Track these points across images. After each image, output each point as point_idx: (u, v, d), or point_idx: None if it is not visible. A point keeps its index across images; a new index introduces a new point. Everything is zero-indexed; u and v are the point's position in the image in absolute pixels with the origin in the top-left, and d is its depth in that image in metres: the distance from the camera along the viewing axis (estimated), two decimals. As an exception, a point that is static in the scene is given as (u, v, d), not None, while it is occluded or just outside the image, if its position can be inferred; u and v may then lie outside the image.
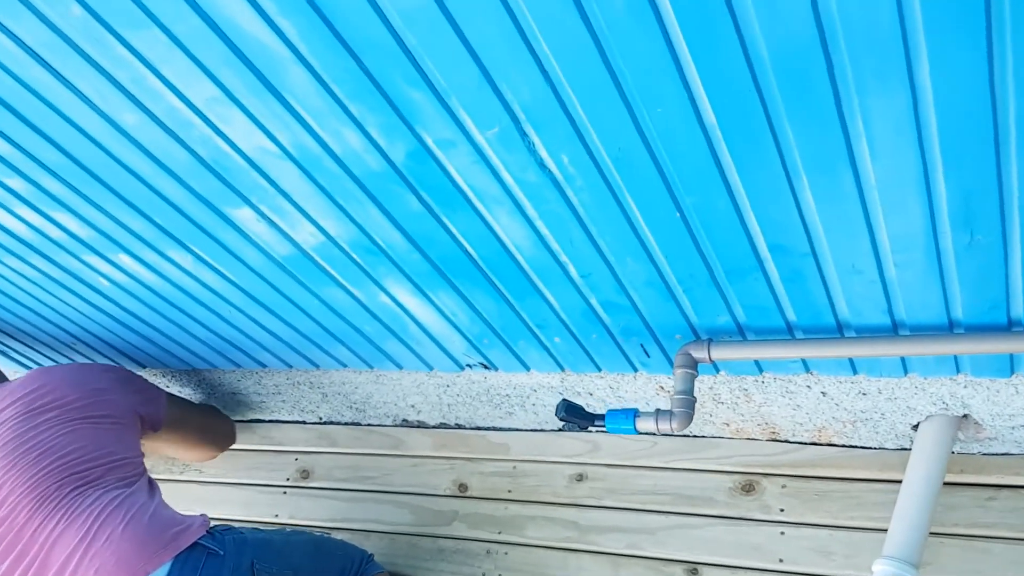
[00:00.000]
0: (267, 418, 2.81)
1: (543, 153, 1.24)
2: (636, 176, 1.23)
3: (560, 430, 1.60)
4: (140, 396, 2.17)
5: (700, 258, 1.38)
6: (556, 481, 2.27)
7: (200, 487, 2.78)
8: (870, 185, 1.13)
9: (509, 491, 2.32)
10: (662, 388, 1.92)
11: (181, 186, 1.53)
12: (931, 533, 1.76)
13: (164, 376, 2.60)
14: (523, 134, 1.22)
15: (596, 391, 2.03)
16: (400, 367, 2.14)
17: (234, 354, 2.28)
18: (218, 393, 2.65)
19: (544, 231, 1.42)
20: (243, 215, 1.59)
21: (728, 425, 2.03)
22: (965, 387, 1.57)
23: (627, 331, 1.66)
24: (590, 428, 1.59)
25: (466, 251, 1.54)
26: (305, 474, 2.66)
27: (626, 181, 1.25)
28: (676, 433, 1.50)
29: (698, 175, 1.20)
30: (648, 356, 1.73)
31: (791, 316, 1.48)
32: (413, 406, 2.45)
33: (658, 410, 1.53)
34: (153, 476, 2.81)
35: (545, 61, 1.08)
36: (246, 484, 2.72)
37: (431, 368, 2.11)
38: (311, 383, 2.45)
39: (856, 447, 1.94)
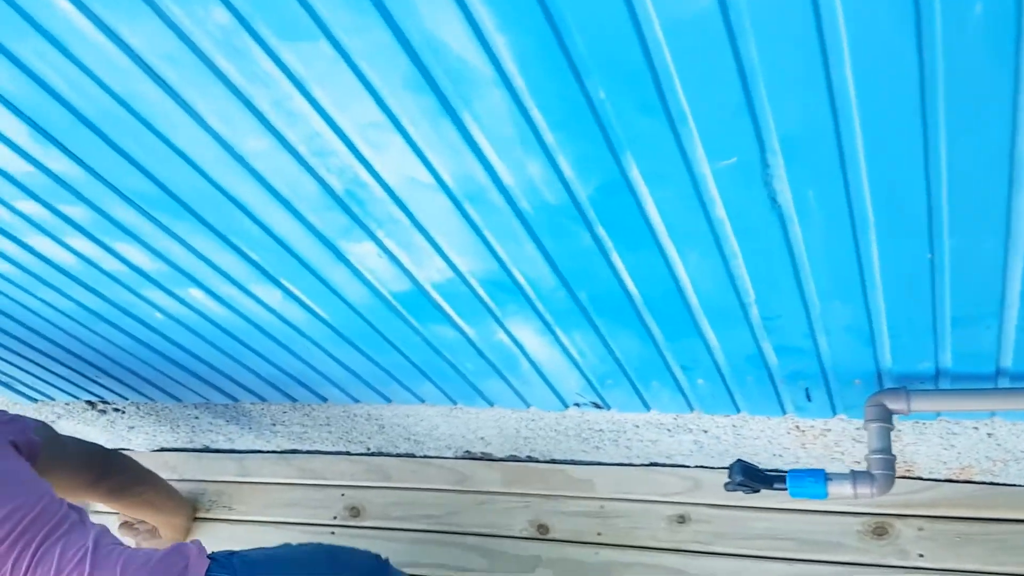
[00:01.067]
0: (305, 448, 2.56)
1: (781, 187, 1.03)
2: (898, 216, 1.03)
3: (727, 488, 1.41)
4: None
5: (930, 304, 1.19)
6: (653, 523, 2.08)
7: (231, 526, 2.52)
8: None
9: (599, 533, 2.11)
10: (797, 428, 1.74)
11: (296, 219, 1.28)
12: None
13: (196, 407, 2.33)
14: (765, 165, 1.01)
15: (713, 429, 1.84)
16: (491, 404, 1.92)
17: (293, 388, 2.03)
18: (255, 424, 2.39)
19: (740, 270, 1.22)
20: (361, 250, 1.35)
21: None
22: None
23: (795, 375, 1.47)
24: (762, 490, 1.39)
25: (626, 290, 1.33)
26: (355, 512, 2.42)
27: (880, 221, 1.05)
28: (874, 499, 1.32)
29: (977, 217, 1.00)
30: (809, 400, 1.54)
31: (1005, 362, 1.30)
32: (483, 438, 2.23)
33: (854, 472, 1.34)
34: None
35: (839, 85, 0.87)
36: (286, 523, 2.47)
37: (528, 406, 1.89)
38: (370, 415, 2.21)
39: (999, 484, 1.79)
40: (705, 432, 1.87)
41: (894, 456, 1.34)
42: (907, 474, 1.87)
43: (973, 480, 1.81)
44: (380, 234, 1.31)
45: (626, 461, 2.16)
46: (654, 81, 0.90)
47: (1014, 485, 1.78)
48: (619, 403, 1.76)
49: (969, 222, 1.02)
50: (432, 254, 1.33)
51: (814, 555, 1.88)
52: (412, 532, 2.31)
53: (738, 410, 1.67)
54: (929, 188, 0.99)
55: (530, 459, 2.29)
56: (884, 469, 1.32)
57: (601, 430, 2.01)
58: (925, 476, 1.85)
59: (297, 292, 1.52)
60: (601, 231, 1.19)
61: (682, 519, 2.05)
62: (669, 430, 1.91)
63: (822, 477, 1.34)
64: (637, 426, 1.93)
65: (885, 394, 1.36)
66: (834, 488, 1.33)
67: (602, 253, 1.24)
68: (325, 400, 2.10)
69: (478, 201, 1.18)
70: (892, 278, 1.16)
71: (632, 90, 0.92)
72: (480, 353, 1.65)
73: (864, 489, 1.32)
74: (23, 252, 1.55)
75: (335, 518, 2.42)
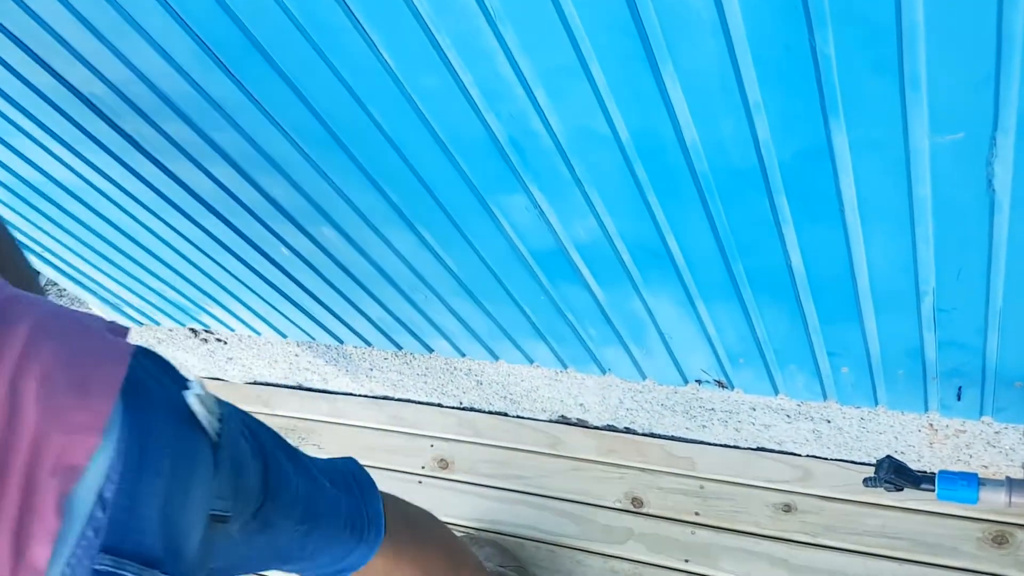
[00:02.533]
0: (398, 396, 2.55)
1: (1002, 169, 0.94)
2: None
3: (866, 484, 1.33)
4: None
5: None
6: (756, 509, 2.01)
7: (319, 466, 2.53)
8: None
9: (696, 513, 2.06)
10: (931, 426, 1.64)
11: (450, 165, 1.23)
12: None
13: (299, 345, 2.34)
14: (992, 144, 0.91)
15: (837, 420, 1.76)
16: (604, 372, 1.87)
17: (402, 336, 2.01)
18: (353, 367, 2.39)
19: (927, 256, 1.13)
20: (511, 203, 1.30)
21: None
22: None
23: (952, 373, 1.38)
24: (907, 489, 1.31)
25: (790, 266, 1.25)
26: (444, 464, 2.40)
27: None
28: (1034, 509, 1.24)
29: None
30: (959, 400, 1.45)
31: None
32: (582, 404, 2.19)
33: (1010, 479, 1.25)
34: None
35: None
36: (373, 467, 2.45)
37: (644, 378, 1.84)
38: (471, 370, 2.19)
39: None
40: (828, 422, 1.79)
41: (1063, 469, 1.25)
42: (1041, 487, 1.76)
43: (1115, 501, 1.70)
44: (534, 188, 1.25)
45: (732, 443, 2.09)
46: (897, 38, 0.82)
47: None
48: (746, 384, 1.69)
49: None
50: (585, 213, 1.27)
51: (927, 558, 1.80)
52: (501, 490, 2.29)
53: (877, 403, 1.59)
54: None
55: (628, 431, 2.24)
56: (1051, 481, 1.23)
57: (712, 409, 1.94)
58: (1061, 491, 1.74)
59: (430, 239, 1.48)
60: (783, 200, 1.12)
61: (788, 508, 1.98)
62: (789, 416, 1.83)
63: (975, 481, 1.26)
64: (754, 409, 1.86)
65: (1059, 402, 1.27)
66: (987, 494, 1.25)
67: (775, 224, 1.17)
68: (431, 351, 2.07)
69: (652, 160, 1.11)
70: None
71: (868, 46, 0.83)
72: (607, 319, 1.59)
73: (1020, 498, 1.23)
74: (162, 176, 1.54)
75: (423, 467, 2.41)
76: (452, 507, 2.31)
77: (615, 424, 2.24)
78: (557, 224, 1.33)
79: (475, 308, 1.71)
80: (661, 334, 1.59)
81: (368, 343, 2.12)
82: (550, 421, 2.36)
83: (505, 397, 2.30)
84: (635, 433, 2.23)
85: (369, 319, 1.94)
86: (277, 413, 2.65)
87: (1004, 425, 1.56)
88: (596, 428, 2.29)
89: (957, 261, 1.12)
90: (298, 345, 2.32)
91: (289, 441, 1.25)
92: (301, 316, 2.04)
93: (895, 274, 1.18)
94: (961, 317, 1.23)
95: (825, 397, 1.63)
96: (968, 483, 1.27)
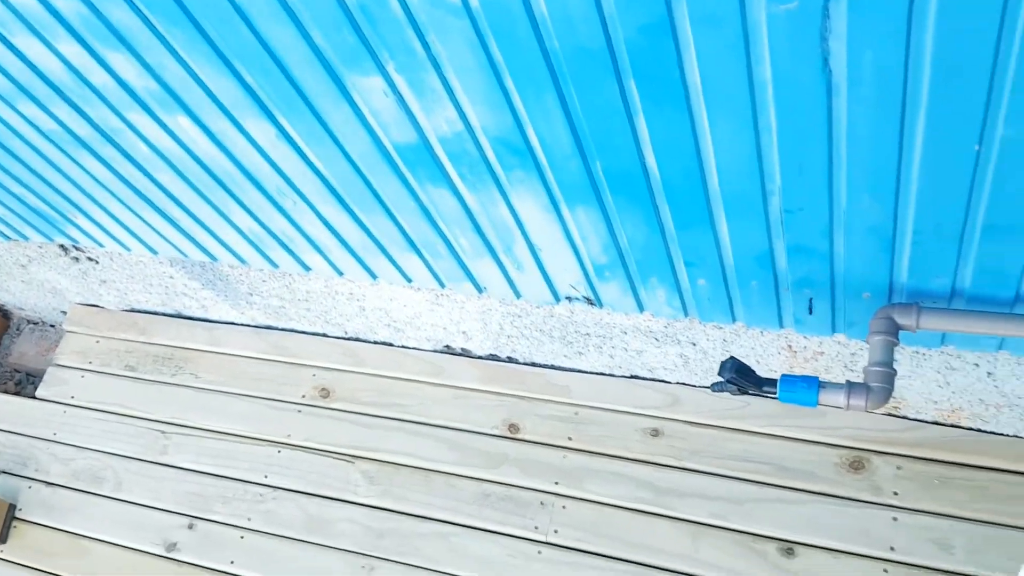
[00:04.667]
0: (281, 326, 2.49)
1: (837, 46, 0.95)
2: (951, 92, 0.96)
3: (713, 389, 1.35)
4: None
5: (964, 206, 1.12)
6: (627, 434, 2.04)
7: (195, 393, 2.45)
8: None
9: (570, 438, 2.07)
10: (790, 348, 1.69)
11: (301, 37, 1.19)
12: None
13: (172, 265, 2.25)
14: (826, 15, 0.92)
15: (702, 342, 1.79)
16: (481, 291, 1.85)
17: (276, 252, 1.95)
18: (231, 291, 2.31)
19: (771, 149, 1.14)
20: (369, 85, 1.26)
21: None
22: None
23: (802, 282, 1.41)
24: (751, 393, 1.34)
25: (645, 164, 1.25)
26: (325, 393, 2.36)
27: (934, 97, 0.97)
28: (867, 411, 1.27)
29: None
30: (810, 313, 1.48)
31: (1028, 287, 1.24)
32: (465, 332, 2.17)
33: (850, 383, 1.29)
34: (139, 376, 2.47)
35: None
36: (251, 396, 2.41)
37: (519, 296, 1.83)
38: (352, 294, 2.14)
39: (989, 432, 1.76)
40: (694, 345, 1.82)
41: (895, 371, 1.29)
42: (894, 412, 1.83)
43: (960, 425, 1.78)
44: (391, 68, 1.22)
45: (607, 371, 2.11)
46: None
47: (1002, 435, 1.75)
48: (613, 301, 1.69)
49: (1030, 109, 0.95)
50: (444, 99, 1.24)
51: (787, 481, 1.85)
52: (381, 418, 2.26)
53: (735, 319, 1.62)
54: (995, 64, 0.92)
55: (511, 360, 2.24)
56: (883, 383, 1.27)
57: (588, 334, 1.95)
58: (912, 416, 1.82)
59: (292, 131, 1.43)
60: (632, 84, 1.11)
61: (656, 432, 2.01)
62: (657, 339, 1.85)
63: (815, 384, 1.29)
64: (625, 332, 1.88)
65: (895, 308, 1.31)
66: (826, 397, 1.28)
67: (627, 114, 1.16)
68: (309, 269, 2.02)
69: (504, 35, 1.09)
70: (931, 171, 1.08)
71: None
72: (477, 227, 1.57)
73: (858, 401, 1.27)
74: (8, 54, 1.44)
75: (303, 397, 2.37)
76: (329, 435, 2.27)
77: (498, 353, 2.23)
78: (420, 113, 1.30)
79: (346, 216, 1.67)
80: (530, 244, 1.58)
81: (243, 260, 2.05)
82: (435, 351, 2.34)
83: (389, 325, 2.27)
84: (517, 362, 2.23)
85: (240, 231, 1.87)
86: (154, 341, 2.55)
87: (860, 345, 1.61)
88: (479, 358, 2.28)
89: (799, 154, 1.13)
90: (171, 265, 2.23)
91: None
92: (170, 228, 1.96)
93: (742, 170, 1.19)
94: (807, 218, 1.25)
95: (686, 313, 1.65)
96: (808, 385, 1.30)
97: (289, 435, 2.31)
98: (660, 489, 1.94)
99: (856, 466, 1.83)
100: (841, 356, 1.66)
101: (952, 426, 1.78)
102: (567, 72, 1.12)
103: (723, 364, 1.31)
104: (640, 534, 1.90)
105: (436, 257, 1.74)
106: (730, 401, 1.98)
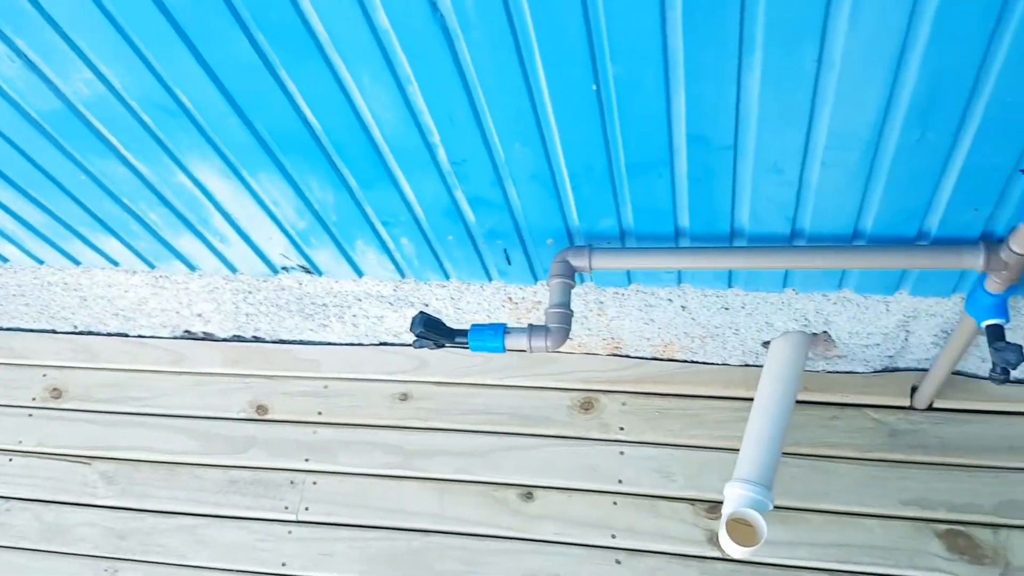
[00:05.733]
0: (4, 325, 2.27)
1: (439, -10, 0.95)
2: (556, 32, 0.98)
3: (383, 343, 1.34)
4: None
5: (603, 146, 1.16)
6: (376, 401, 2.02)
7: (-92, 411, 2.20)
8: (832, 64, 0.97)
9: (319, 413, 2.03)
10: (510, 299, 1.72)
11: None
12: (773, 451, 1.74)
13: None
14: (418, -42, 0.91)
15: (434, 302, 1.79)
16: (193, 269, 1.76)
17: (-40, 245, 1.76)
18: (-66, 295, 2.08)
19: (418, 101, 1.13)
20: (-16, 47, 1.13)
21: (571, 339, 1.88)
22: (835, 303, 1.51)
23: (492, 233, 1.42)
24: (447, 345, 1.34)
25: (307, 122, 1.21)
26: (56, 393, 2.18)
27: (542, 38, 0.99)
28: (549, 352, 1.31)
29: (634, 36, 0.97)
30: (509, 263, 1.51)
31: (683, 222, 1.32)
32: (200, 315, 2.07)
33: (531, 326, 1.32)
34: None
35: None
36: (-27, 406, 2.19)
37: (235, 271, 1.75)
38: (66, 284, 1.98)
39: (699, 363, 1.87)
40: (426, 306, 1.81)
41: (572, 312, 1.33)
42: (616, 352, 1.91)
43: (675, 358, 1.89)
44: (7, 30, 1.10)
45: (355, 341, 2.08)
46: None
47: (710, 363, 1.87)
48: (330, 268, 1.66)
49: (629, 47, 0.98)
50: (76, 60, 1.14)
51: (524, 428, 1.90)
52: (117, 414, 2.12)
53: (447, 276, 1.62)
54: (586, 5, 0.94)
55: (256, 339, 2.15)
56: (560, 323, 1.31)
57: (325, 304, 1.90)
58: (633, 355, 1.91)
59: (-79, 105, 1.27)
60: (261, 39, 1.06)
61: (404, 397, 2.01)
62: (391, 303, 1.83)
63: (501, 331, 1.31)
64: (360, 299, 1.84)
65: (570, 251, 1.35)
66: (511, 341, 1.31)
67: (269, 70, 1.11)
68: (7, 260, 1.84)
69: (109, -15, 1.00)
70: (565, 114, 1.11)
71: None
72: (162, 199, 1.48)
73: (539, 342, 1.30)
74: None
75: (33, 399, 2.18)
76: (63, 438, 2.10)
77: (241, 334, 2.14)
78: (54, 77, 1.19)
79: (23, 199, 1.52)
80: (226, 215, 1.50)
81: (-74, 256, 1.84)
82: (174, 337, 2.21)
83: (117, 314, 2.12)
84: (263, 341, 2.15)
85: (-91, 223, 1.67)
86: None
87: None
88: (223, 340, 2.18)
89: (445, 104, 1.13)
90: None
91: None
92: None
93: (400, 123, 1.17)
94: (475, 169, 1.26)
95: (403, 275, 1.64)
96: (495, 333, 1.32)
97: (20, 441, 2.12)
98: (408, 452, 1.93)
99: (586, 407, 1.90)
100: (557, 303, 1.71)
101: (669, 360, 1.89)
102: (191, 28, 1.06)
103: (413, 320, 1.31)
104: (390, 499, 1.89)
105: (133, 236, 1.63)
106: (473, 358, 2.00)
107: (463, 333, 1.34)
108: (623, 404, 1.89)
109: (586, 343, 1.90)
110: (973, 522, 1.60)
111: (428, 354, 2.03)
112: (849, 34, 0.92)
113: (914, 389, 1.70)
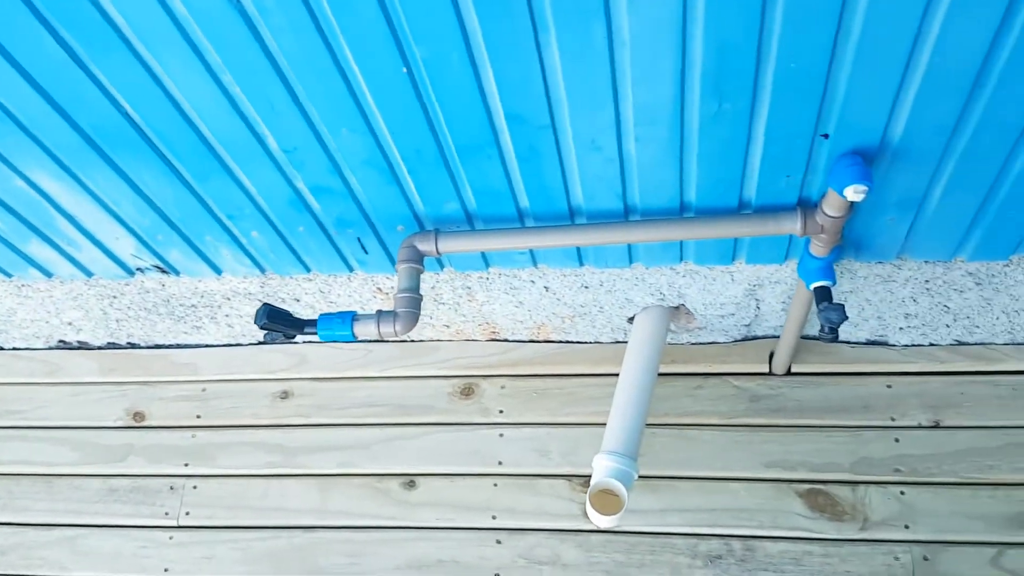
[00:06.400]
0: None
1: (231, -24, 0.95)
2: (354, 15, 0.98)
3: (262, 342, 1.34)
4: None
5: (429, 128, 1.18)
6: (257, 401, 2.00)
7: None
8: (623, 42, 1.00)
9: (198, 416, 2.00)
10: (380, 290, 1.72)
11: None
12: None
13: None
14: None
15: (304, 297, 1.78)
16: (49, 275, 1.71)
17: None
18: None
19: (235, 89, 1.13)
20: None
21: (448, 327, 1.90)
22: (684, 276, 1.56)
23: (342, 222, 1.42)
24: (298, 337, 1.34)
25: (126, 114, 1.19)
26: (-76, 415, 2.10)
27: (342, 22, 1.00)
28: (399, 337, 1.32)
29: (431, 17, 0.98)
30: (366, 252, 1.51)
31: (524, 202, 1.34)
32: (71, 323, 2.02)
33: (379, 312, 1.33)
34: None
35: None
36: None
37: (91, 275, 1.71)
38: (-76, 299, 1.91)
39: (573, 342, 1.91)
40: (298, 301, 1.80)
41: (421, 296, 1.35)
42: (494, 337, 1.94)
43: (551, 339, 1.92)
44: None
45: (232, 341, 2.05)
46: None
47: (583, 342, 1.90)
48: (185, 267, 1.63)
49: (428, 27, 1.00)
50: None
51: (406, 418, 1.91)
52: (-7, 431, 2.05)
53: (308, 269, 1.62)
54: (382, -15, 0.95)
55: (132, 345, 2.11)
56: (408, 307, 1.32)
57: (194, 306, 1.87)
58: (510, 338, 1.93)
59: None
60: (65, 34, 1.04)
61: (285, 395, 1.99)
62: (261, 301, 1.82)
63: (349, 318, 1.32)
64: (228, 298, 1.82)
65: (416, 236, 1.36)
66: (360, 329, 1.32)
67: (79, 65, 1.09)
68: None
69: None
70: (383, 98, 1.12)
71: None
72: (5, 207, 1.44)
73: (387, 328, 1.31)
74: None
75: (-101, 423, 2.09)
76: (-68, 461, 2.04)
77: (116, 341, 2.09)
78: None
79: None
80: (69, 217, 1.47)
81: None
82: (49, 348, 2.15)
83: (-15, 327, 2.05)
84: (138, 347, 2.11)
85: None
86: None
87: (436, 277, 1.67)
88: (98, 348, 2.13)
89: (263, 92, 1.12)
90: None
91: None
92: None
93: (222, 113, 1.17)
94: (309, 157, 1.26)
95: (263, 270, 1.63)
96: (343, 320, 1.33)
97: None
98: (290, 450, 1.92)
99: (467, 392, 1.92)
100: (423, 288, 1.72)
101: (545, 341, 1.92)
102: (-10, 21, 1.03)
103: (256, 312, 1.30)
104: (272, 498, 1.88)
105: (-21, 244, 1.58)
106: (353, 351, 2.00)
107: (312, 323, 1.34)
108: (502, 387, 1.91)
109: (464, 330, 1.91)
110: (832, 480, 1.67)
111: (308, 350, 2.02)
112: (631, 12, 0.95)
113: (772, 355, 1.77)
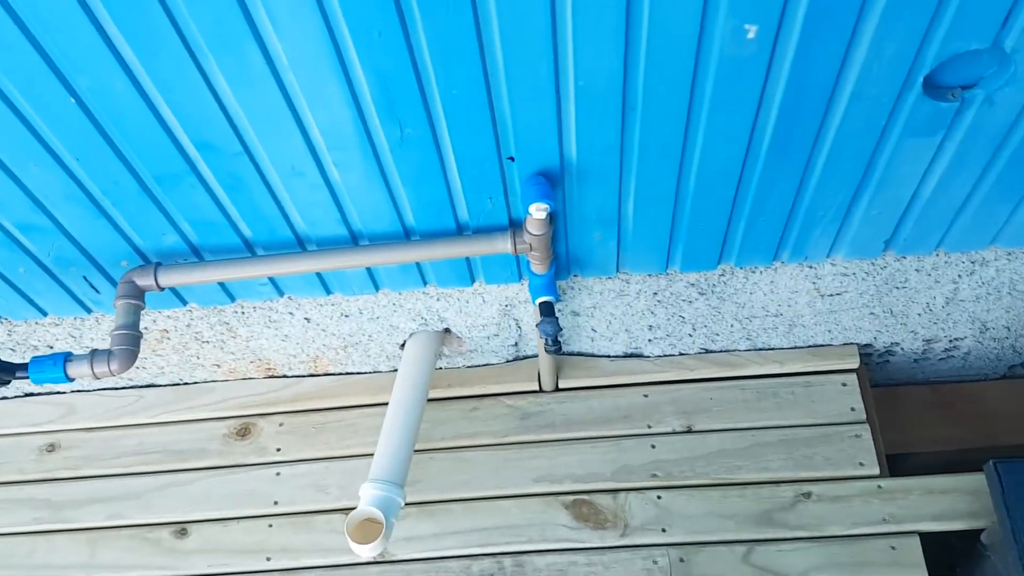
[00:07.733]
0: None
1: None
2: (5, 46, 0.96)
3: (29, 394, 1.27)
4: None
5: (119, 159, 1.16)
6: (22, 456, 1.89)
7: None
8: (284, 66, 1.01)
9: (-43, 477, 1.87)
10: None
11: None
12: (421, 450, 1.79)
13: None
14: None
15: (56, 343, 1.70)
16: None
17: None
18: None
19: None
20: None
21: (219, 367, 1.85)
22: (438, 300, 1.58)
23: (62, 261, 1.38)
24: (12, 382, 1.28)
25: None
26: None
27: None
28: (117, 375, 1.28)
29: (82, 48, 0.97)
30: (98, 292, 1.47)
31: (246, 231, 1.34)
32: None
33: (94, 351, 1.28)
34: None
35: None
36: None
37: None
38: None
39: (352, 373, 1.90)
40: (50, 348, 1.72)
41: (140, 333, 1.31)
42: (271, 374, 1.90)
43: (329, 372, 1.90)
44: None
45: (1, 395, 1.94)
46: None
47: (361, 372, 1.90)
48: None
49: (82, 58, 0.99)
50: None
51: (179, 464, 1.84)
52: None
53: (45, 313, 1.55)
54: (20, 20, 0.94)
55: None
56: (125, 345, 1.28)
57: (-59, 359, 1.76)
58: (288, 374, 1.91)
59: None
60: None
61: (52, 447, 1.89)
62: (13, 350, 1.73)
63: (61, 360, 1.27)
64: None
65: (135, 271, 1.33)
66: (73, 369, 1.27)
67: None
68: None
69: None
70: (59, 128, 1.09)
71: None
72: None
73: (102, 367, 1.27)
74: None
75: None
76: None
77: None
78: None
79: None
80: None
81: None
82: None
83: None
84: None
85: None
86: None
87: (187, 311, 1.63)
88: None
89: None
90: None
91: None
92: None
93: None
94: (4, 195, 1.21)
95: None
96: (55, 362, 1.28)
97: None
98: (57, 504, 1.82)
99: (243, 432, 1.87)
100: (178, 326, 1.68)
101: (324, 374, 1.90)
102: None
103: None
104: (39, 556, 1.77)
105: None
106: (123, 399, 1.92)
107: (24, 367, 1.28)
108: (280, 425, 1.88)
109: (237, 368, 1.87)
110: (595, 490, 1.72)
111: (76, 399, 1.93)
112: (280, 37, 0.97)
113: (540, 373, 1.81)
